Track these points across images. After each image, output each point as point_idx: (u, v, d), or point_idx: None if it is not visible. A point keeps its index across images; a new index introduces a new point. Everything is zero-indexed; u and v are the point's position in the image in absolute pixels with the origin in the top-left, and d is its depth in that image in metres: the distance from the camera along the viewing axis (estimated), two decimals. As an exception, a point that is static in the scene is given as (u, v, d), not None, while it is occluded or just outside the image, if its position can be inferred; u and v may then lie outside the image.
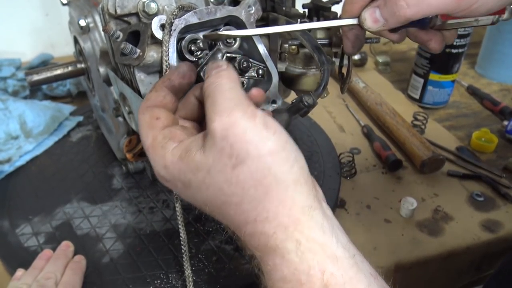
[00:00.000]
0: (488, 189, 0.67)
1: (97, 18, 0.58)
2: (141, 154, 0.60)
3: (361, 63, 1.00)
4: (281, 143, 0.30)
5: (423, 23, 0.39)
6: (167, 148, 0.33)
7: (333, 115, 0.85)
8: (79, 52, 0.65)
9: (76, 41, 0.64)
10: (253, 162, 0.29)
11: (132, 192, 0.64)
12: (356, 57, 1.00)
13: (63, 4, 0.66)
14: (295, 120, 0.79)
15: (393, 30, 0.39)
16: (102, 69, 0.54)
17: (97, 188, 0.64)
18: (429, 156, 0.68)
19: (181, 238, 0.48)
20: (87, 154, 0.71)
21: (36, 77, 0.62)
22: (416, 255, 0.57)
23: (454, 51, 0.80)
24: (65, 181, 0.66)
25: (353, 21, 0.38)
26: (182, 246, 0.48)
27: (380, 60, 1.02)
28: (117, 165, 0.68)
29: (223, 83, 0.32)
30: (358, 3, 0.38)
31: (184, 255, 0.48)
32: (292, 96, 0.50)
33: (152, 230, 0.58)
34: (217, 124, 0.29)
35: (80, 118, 0.78)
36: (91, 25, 0.58)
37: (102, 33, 0.58)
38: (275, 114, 0.42)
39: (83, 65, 0.64)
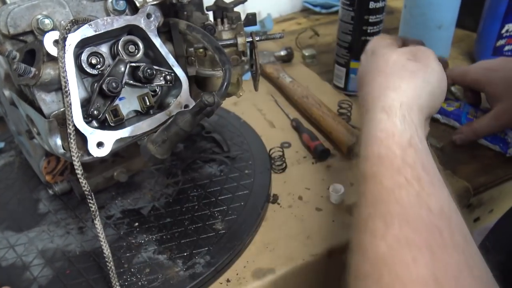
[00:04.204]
0: (412, 167, 0.70)
1: (-2, 39, 0.56)
2: (62, 174, 0.58)
3: (288, 59, 1.02)
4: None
5: None
6: None
7: (263, 112, 0.86)
8: (-14, 76, 0.62)
9: (-19, 66, 0.62)
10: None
11: (60, 214, 0.62)
12: (283, 52, 1.01)
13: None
14: (225, 121, 0.80)
15: None
16: (7, 93, 0.52)
17: (22, 215, 0.62)
18: (354, 142, 0.71)
19: (104, 255, 0.47)
20: (10, 181, 0.68)
21: None
22: (347, 239, 0.58)
23: (369, 38, 0.83)
24: (-13, 212, 0.63)
25: None
26: (107, 263, 0.47)
27: (307, 54, 1.04)
28: (43, 188, 0.66)
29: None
30: None
31: (110, 272, 0.47)
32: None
33: (81, 251, 0.56)
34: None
35: (1, 145, 0.75)
36: (-8, 47, 0.56)
37: (6, 54, 0.56)
38: (178, 115, 0.42)
39: (-9, 90, 0.62)
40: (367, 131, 0.43)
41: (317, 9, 1.27)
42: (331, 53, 1.07)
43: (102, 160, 0.66)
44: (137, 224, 0.60)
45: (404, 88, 0.44)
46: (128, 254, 0.55)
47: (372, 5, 0.79)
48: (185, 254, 0.55)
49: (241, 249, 0.57)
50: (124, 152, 0.68)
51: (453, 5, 0.93)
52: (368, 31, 0.82)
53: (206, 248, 0.55)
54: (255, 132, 0.77)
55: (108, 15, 0.49)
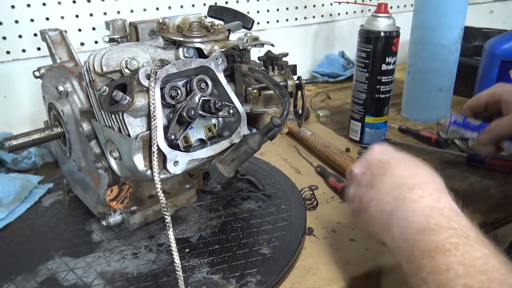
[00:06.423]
0: (431, 204, 0.77)
1: (75, 83, 0.64)
2: (122, 202, 0.64)
3: (305, 117, 1.12)
4: None
5: None
6: None
7: (288, 161, 0.94)
8: (54, 117, 0.70)
9: (51, 108, 0.70)
10: None
11: (113, 243, 0.66)
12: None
13: (36, 77, 0.72)
14: (256, 166, 0.87)
15: None
16: (85, 125, 0.60)
17: (77, 243, 0.66)
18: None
19: (175, 264, 0.51)
20: (62, 216, 0.73)
21: (14, 142, 0.66)
22: (383, 263, 0.64)
23: (382, 96, 0.94)
24: (43, 241, 0.67)
25: None
26: (177, 271, 0.52)
27: (321, 114, 1.14)
28: (94, 221, 0.71)
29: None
30: None
31: (179, 280, 0.52)
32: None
33: (139, 273, 0.60)
34: None
35: (50, 185, 0.81)
36: (69, 89, 0.64)
37: (80, 95, 0.64)
38: (247, 136, 0.50)
39: (59, 129, 0.69)
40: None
41: (325, 78, 1.40)
42: (342, 114, 1.18)
43: (150, 195, 0.73)
44: (187, 250, 0.64)
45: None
46: (184, 275, 0.59)
47: (384, 67, 0.91)
48: (237, 274, 0.59)
49: (287, 272, 0.61)
50: (170, 189, 0.74)
51: (451, 71, 1.07)
52: (381, 89, 0.93)
53: (256, 269, 0.60)
54: (285, 175, 0.84)
55: (178, 59, 0.59)
